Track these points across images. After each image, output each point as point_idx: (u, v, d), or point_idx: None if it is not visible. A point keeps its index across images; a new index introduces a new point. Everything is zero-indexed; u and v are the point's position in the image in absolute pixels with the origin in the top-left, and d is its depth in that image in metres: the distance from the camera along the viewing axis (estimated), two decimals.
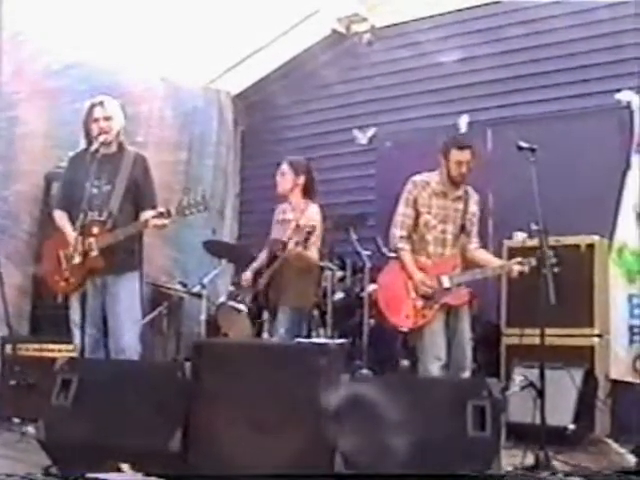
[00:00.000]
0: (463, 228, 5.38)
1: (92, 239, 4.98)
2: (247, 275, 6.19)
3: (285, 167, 5.94)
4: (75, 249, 4.89)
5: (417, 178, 5.41)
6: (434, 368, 5.14)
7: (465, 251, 5.43)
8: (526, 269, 5.12)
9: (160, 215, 5.02)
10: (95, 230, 5.01)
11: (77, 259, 4.91)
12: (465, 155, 5.25)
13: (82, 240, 4.88)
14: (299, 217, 5.84)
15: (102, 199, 5.09)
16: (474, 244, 5.48)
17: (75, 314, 5.05)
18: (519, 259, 5.17)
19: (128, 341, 5.06)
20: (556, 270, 4.84)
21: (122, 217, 5.10)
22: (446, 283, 5.24)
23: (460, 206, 5.38)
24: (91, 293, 5.03)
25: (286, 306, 5.72)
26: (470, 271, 5.35)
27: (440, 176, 5.36)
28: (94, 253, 4.98)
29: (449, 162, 5.28)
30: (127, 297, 5.13)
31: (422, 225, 5.33)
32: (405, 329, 5.35)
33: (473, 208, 5.44)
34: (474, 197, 5.47)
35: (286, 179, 5.93)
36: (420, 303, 5.24)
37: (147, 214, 5.11)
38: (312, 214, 5.87)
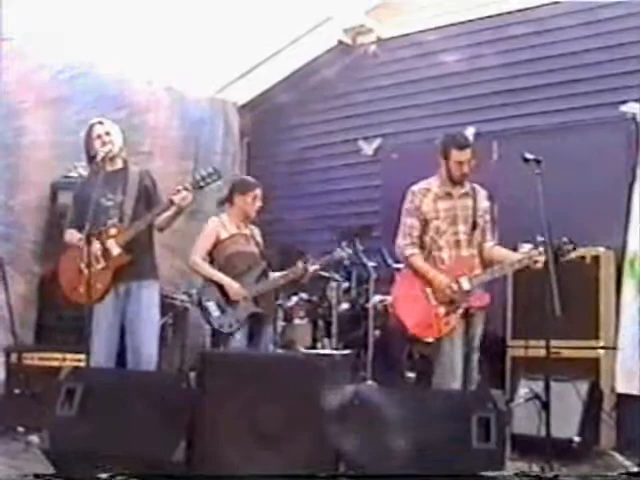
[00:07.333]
0: (475, 226, 5.16)
1: (111, 240, 5.07)
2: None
3: (260, 191, 5.91)
4: (96, 254, 4.97)
5: (415, 187, 5.25)
6: (451, 386, 4.92)
7: (482, 250, 5.21)
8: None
9: (178, 192, 5.05)
10: (113, 231, 5.10)
11: (101, 263, 5.02)
12: (466, 154, 5.09)
13: (102, 243, 5.02)
14: (255, 233, 6.00)
15: (116, 208, 5.16)
16: (490, 242, 5.25)
17: (95, 324, 5.01)
18: (540, 249, 4.86)
19: (148, 352, 5.10)
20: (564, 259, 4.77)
21: (137, 219, 5.17)
22: (466, 285, 5.00)
23: (469, 202, 5.18)
24: (112, 303, 5.10)
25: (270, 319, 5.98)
26: (489, 269, 5.12)
27: (441, 178, 5.20)
28: (116, 251, 5.06)
29: (449, 162, 5.11)
30: (149, 307, 5.18)
31: (433, 232, 5.14)
32: (430, 339, 5.04)
33: (484, 204, 5.24)
34: (482, 192, 5.27)
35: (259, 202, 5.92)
36: (442, 310, 5.01)
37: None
38: (257, 231, 6.05)
